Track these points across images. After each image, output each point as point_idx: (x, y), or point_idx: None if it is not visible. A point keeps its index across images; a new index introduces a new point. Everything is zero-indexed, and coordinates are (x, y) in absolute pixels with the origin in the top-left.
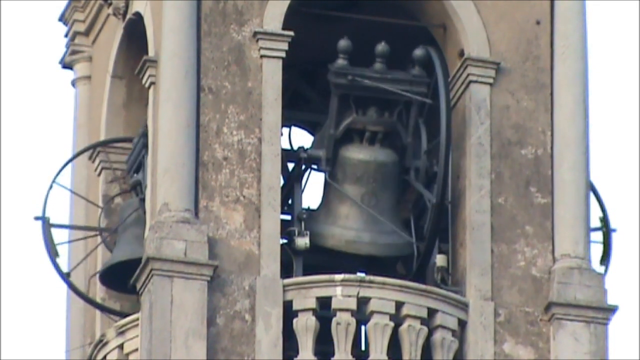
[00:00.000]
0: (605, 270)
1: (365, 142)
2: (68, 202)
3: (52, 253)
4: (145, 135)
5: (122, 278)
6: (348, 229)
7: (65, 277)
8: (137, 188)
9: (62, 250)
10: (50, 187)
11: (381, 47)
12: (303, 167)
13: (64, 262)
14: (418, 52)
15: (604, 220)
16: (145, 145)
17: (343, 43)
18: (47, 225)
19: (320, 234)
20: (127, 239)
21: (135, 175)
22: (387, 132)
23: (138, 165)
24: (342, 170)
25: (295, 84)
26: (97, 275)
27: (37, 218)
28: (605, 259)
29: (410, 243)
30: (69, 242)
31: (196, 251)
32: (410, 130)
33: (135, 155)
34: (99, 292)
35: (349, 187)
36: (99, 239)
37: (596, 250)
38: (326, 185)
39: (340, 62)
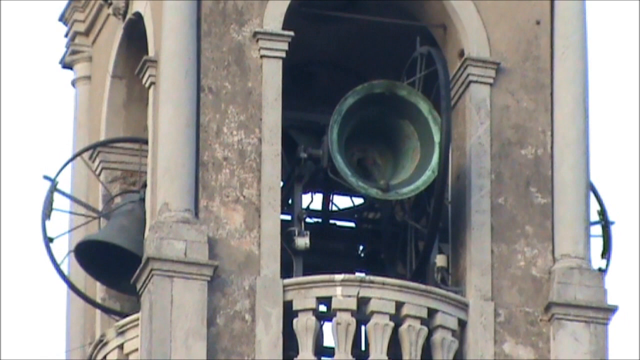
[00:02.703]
0: (607, 266)
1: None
2: (68, 202)
3: (46, 212)
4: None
5: (98, 261)
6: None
7: (55, 260)
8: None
9: (61, 253)
10: (51, 189)
11: None
12: (303, 167)
13: (61, 262)
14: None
15: (603, 215)
16: None
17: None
18: (53, 186)
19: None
20: (112, 225)
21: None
22: None
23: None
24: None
25: (294, 84)
26: (74, 250)
27: (46, 177)
28: (605, 253)
29: None
30: (69, 231)
31: (196, 251)
32: None
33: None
34: (99, 292)
35: None
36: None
37: (596, 246)
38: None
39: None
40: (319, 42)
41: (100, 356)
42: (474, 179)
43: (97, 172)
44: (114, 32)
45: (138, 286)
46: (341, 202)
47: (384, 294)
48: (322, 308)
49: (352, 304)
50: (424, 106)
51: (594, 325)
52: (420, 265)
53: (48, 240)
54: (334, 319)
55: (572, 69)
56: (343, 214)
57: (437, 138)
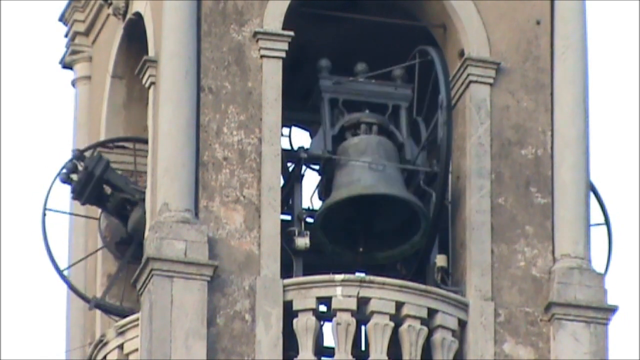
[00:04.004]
0: (606, 269)
1: (362, 133)
2: (68, 204)
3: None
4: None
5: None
6: (362, 181)
7: (74, 287)
8: (125, 204)
9: (62, 254)
10: (45, 209)
11: (361, 66)
12: (303, 167)
13: (64, 265)
14: (397, 71)
15: (605, 219)
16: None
17: (324, 63)
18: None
19: (337, 191)
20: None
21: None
22: (382, 127)
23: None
24: (345, 154)
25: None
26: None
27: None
28: (606, 257)
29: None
30: (69, 267)
31: (196, 251)
32: (403, 130)
33: (96, 180)
34: (98, 292)
35: (355, 162)
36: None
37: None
38: (329, 171)
39: (324, 62)
40: (319, 42)
41: (100, 356)
42: (474, 179)
43: None
44: (114, 32)
45: (138, 286)
46: None
47: (384, 294)
48: (322, 308)
49: (352, 304)
50: (420, 210)
51: (594, 325)
52: (420, 265)
53: (48, 244)
54: (334, 319)
55: (572, 69)
56: None
57: (423, 224)
